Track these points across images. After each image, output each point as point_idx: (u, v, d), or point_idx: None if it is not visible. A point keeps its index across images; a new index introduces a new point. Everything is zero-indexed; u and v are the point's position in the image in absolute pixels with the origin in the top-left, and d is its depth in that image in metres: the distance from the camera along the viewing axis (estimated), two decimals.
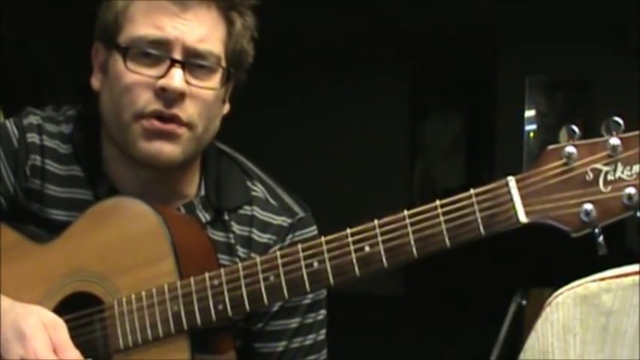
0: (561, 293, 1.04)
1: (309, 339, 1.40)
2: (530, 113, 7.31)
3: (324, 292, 1.41)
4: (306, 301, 1.39)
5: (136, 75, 1.27)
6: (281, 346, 1.38)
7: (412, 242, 1.11)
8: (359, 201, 7.04)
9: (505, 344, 2.86)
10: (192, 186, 1.38)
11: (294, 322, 1.39)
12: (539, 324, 1.04)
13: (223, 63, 1.31)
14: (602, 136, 1.03)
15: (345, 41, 7.00)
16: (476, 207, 1.08)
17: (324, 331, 1.43)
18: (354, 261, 1.14)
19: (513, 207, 1.06)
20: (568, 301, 1.02)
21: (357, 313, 5.61)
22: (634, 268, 1.02)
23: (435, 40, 7.06)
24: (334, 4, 5.83)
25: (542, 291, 2.56)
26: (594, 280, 1.03)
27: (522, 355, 1.05)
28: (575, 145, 1.04)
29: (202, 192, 1.38)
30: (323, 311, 1.42)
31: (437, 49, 7.28)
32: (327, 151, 7.71)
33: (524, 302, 2.89)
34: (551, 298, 1.04)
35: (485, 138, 7.54)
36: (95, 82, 1.35)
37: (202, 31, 1.28)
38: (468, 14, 6.47)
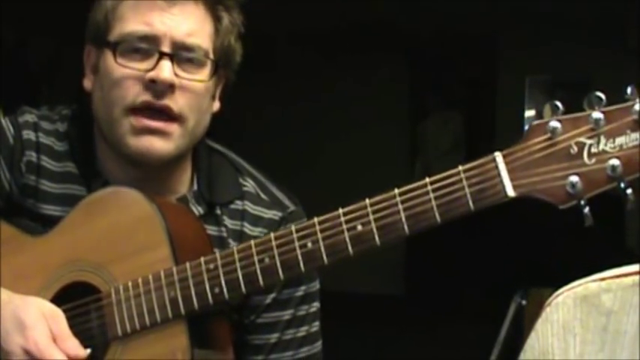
0: (561, 293, 1.04)
1: (302, 331, 1.41)
2: (530, 113, 7.30)
3: (316, 285, 1.43)
4: (299, 293, 1.40)
5: (125, 69, 1.29)
6: (274, 337, 1.40)
7: (403, 219, 1.13)
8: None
9: (505, 344, 2.86)
10: (184, 182, 1.40)
11: (286, 314, 1.40)
12: (539, 324, 1.04)
13: (212, 56, 1.33)
14: (584, 110, 1.05)
15: (344, 41, 6.99)
16: (464, 182, 1.10)
17: (317, 324, 1.44)
18: (347, 240, 1.16)
19: (501, 181, 1.09)
20: (568, 301, 1.02)
21: (357, 313, 5.61)
22: (634, 268, 1.02)
23: (434, 40, 7.06)
24: (334, 3, 5.83)
25: (542, 291, 2.57)
26: (594, 280, 1.03)
27: (522, 355, 1.05)
28: (559, 120, 1.07)
29: (195, 187, 1.40)
30: (316, 303, 1.43)
31: (437, 49, 7.28)
32: (327, 151, 7.70)
33: (524, 302, 2.89)
34: (551, 298, 1.05)
35: (485, 138, 7.53)
36: (87, 83, 1.37)
37: (190, 26, 1.30)
38: (468, 14, 6.47)
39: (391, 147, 7.67)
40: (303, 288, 1.40)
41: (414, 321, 6.27)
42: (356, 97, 7.60)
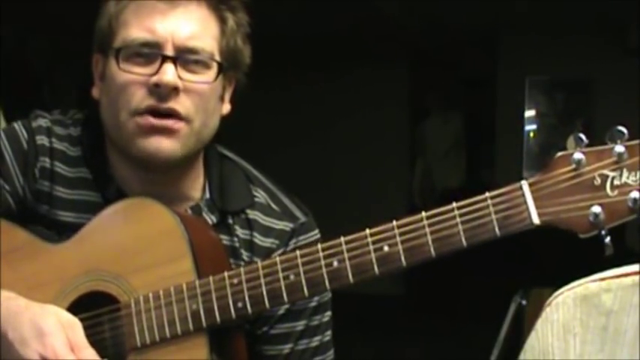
0: (561, 293, 1.04)
1: (315, 340, 1.41)
2: (530, 113, 7.31)
3: (329, 294, 1.42)
4: (313, 304, 1.39)
5: (129, 74, 1.28)
6: (287, 348, 1.39)
7: (430, 242, 1.15)
8: (359, 201, 7.04)
9: (505, 344, 2.86)
10: (197, 189, 1.39)
11: (300, 325, 1.39)
12: (539, 324, 1.04)
13: (217, 58, 1.32)
14: (605, 141, 1.10)
15: (345, 41, 7.00)
16: (491, 209, 1.13)
17: (329, 333, 1.43)
18: (374, 260, 1.17)
19: (527, 209, 1.12)
20: (568, 301, 1.03)
21: (357, 313, 5.60)
22: (634, 268, 1.03)
23: (435, 39, 7.06)
24: (334, 3, 5.83)
25: (542, 291, 2.57)
26: (594, 280, 1.03)
27: (522, 355, 1.06)
28: (583, 152, 1.11)
29: (207, 195, 1.39)
30: (328, 313, 1.43)
31: (437, 49, 7.28)
32: (327, 151, 7.71)
33: (524, 302, 2.89)
34: (551, 298, 1.05)
35: (485, 138, 7.53)
36: (95, 91, 1.36)
37: (192, 28, 1.29)
38: (468, 14, 6.47)
39: (391, 147, 7.67)
40: (316, 298, 1.39)
41: (414, 321, 6.27)
42: (356, 97, 7.60)
